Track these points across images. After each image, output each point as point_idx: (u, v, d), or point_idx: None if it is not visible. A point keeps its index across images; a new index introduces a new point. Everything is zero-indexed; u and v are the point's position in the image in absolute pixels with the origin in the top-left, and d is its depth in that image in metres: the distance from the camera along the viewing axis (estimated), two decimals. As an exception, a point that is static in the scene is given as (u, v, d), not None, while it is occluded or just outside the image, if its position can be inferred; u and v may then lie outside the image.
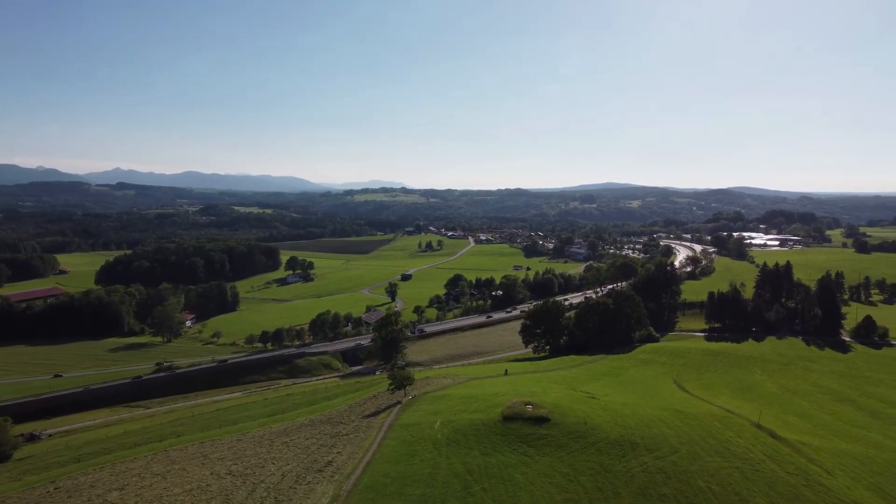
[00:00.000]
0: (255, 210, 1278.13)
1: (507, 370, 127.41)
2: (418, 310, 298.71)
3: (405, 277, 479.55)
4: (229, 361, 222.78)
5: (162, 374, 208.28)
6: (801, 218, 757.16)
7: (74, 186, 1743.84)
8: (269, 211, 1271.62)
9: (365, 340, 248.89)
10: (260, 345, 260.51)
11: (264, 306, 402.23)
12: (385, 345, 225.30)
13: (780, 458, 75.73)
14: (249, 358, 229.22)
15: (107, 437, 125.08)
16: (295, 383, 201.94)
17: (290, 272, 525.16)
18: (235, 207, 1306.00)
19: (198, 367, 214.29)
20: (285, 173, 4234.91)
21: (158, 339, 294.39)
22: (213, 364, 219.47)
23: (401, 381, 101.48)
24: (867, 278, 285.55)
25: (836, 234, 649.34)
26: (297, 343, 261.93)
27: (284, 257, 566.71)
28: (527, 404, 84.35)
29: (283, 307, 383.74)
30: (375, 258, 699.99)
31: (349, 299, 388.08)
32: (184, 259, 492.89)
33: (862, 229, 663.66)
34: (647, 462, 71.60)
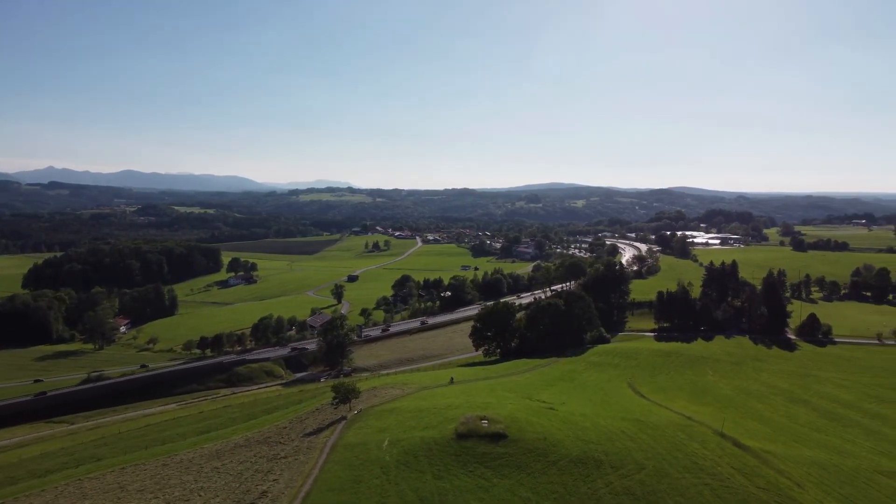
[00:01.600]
0: (196, 210, 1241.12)
1: (452, 378, 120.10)
2: (365, 312, 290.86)
3: (352, 278, 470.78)
4: (164, 370, 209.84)
5: (89, 385, 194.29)
6: (740, 217, 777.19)
7: (3, 185, 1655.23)
8: (211, 211, 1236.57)
9: (310, 345, 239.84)
10: (198, 351, 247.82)
11: (204, 310, 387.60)
12: (330, 350, 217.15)
13: (749, 472, 71.73)
14: (186, 366, 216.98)
15: (19, 460, 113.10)
16: (234, 392, 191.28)
17: (233, 274, 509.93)
18: (176, 207, 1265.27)
19: (129, 378, 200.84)
20: (229, 172, 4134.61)
21: (90, 346, 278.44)
22: (146, 374, 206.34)
23: (345, 395, 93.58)
24: (807, 276, 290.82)
25: (772, 232, 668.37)
26: (239, 349, 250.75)
27: (226, 258, 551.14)
28: (482, 419, 78.19)
29: (224, 311, 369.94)
30: (321, 259, 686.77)
31: (294, 302, 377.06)
32: (119, 261, 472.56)
33: (797, 228, 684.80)
34: (612, 482, 66.38)
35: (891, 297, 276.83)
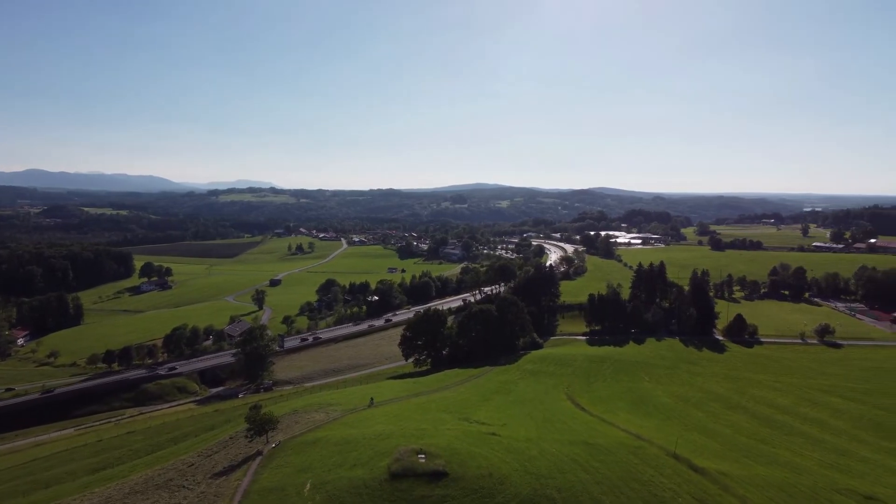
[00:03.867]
0: (108, 211, 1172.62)
1: (372, 399, 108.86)
2: (288, 320, 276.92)
3: (274, 283, 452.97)
4: (62, 390, 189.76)
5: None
6: (658, 217, 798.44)
7: None
8: (124, 212, 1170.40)
9: (228, 357, 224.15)
10: (104, 365, 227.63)
11: (114, 319, 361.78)
12: (250, 362, 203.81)
13: (712, 502, 65.90)
14: (87, 384, 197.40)
15: None
16: (142, 413, 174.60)
17: (146, 279, 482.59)
18: (86, 209, 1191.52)
19: (19, 400, 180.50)
20: (144, 172, 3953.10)
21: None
22: (40, 394, 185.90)
23: (261, 426, 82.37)
24: (730, 276, 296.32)
25: (689, 232, 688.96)
26: (150, 362, 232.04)
27: (139, 263, 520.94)
28: (418, 452, 69.15)
29: (135, 319, 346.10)
30: (242, 262, 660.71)
31: (211, 308, 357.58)
32: (18, 267, 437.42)
33: (712, 227, 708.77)
34: (568, 524, 58.97)
35: (807, 295, 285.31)
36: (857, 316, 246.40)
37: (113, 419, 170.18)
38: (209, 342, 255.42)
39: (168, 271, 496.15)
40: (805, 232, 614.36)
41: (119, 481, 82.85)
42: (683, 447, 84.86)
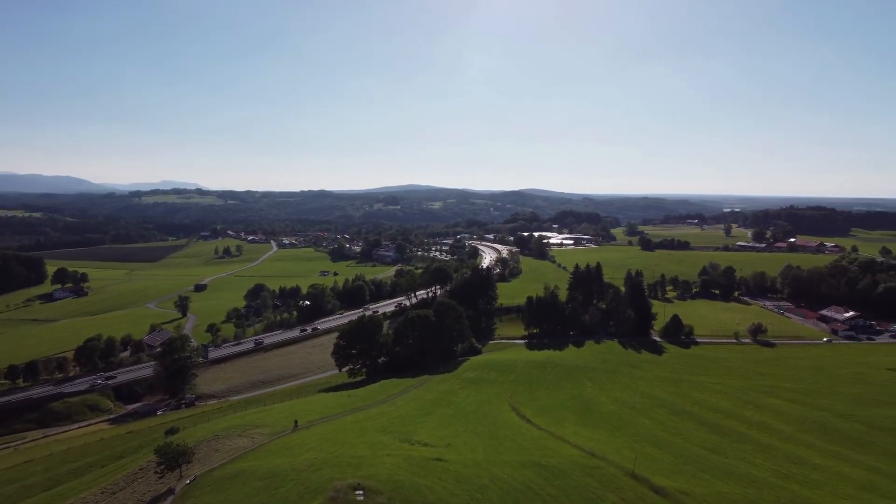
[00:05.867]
0: (19, 213, 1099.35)
1: (296, 422, 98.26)
2: (212, 328, 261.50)
3: (199, 288, 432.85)
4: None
5: None
6: (588, 218, 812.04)
7: None
8: (37, 214, 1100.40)
9: (147, 369, 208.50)
10: (7, 382, 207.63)
11: (21, 329, 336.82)
12: (170, 376, 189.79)
13: (678, 529, 60.75)
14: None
15: None
16: (47, 436, 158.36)
17: (59, 286, 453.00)
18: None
19: None
20: (60, 172, 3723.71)
21: None
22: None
23: (173, 459, 72.20)
24: (662, 276, 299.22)
25: (618, 232, 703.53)
26: (59, 376, 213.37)
27: (52, 268, 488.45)
28: (356, 489, 60.76)
29: (45, 329, 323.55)
30: (165, 266, 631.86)
31: (131, 316, 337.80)
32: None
33: (640, 228, 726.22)
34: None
35: (737, 294, 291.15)
36: (786, 314, 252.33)
37: (12, 444, 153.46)
38: (127, 354, 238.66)
39: (84, 277, 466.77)
40: (728, 232, 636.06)
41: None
42: (639, 464, 79.98)
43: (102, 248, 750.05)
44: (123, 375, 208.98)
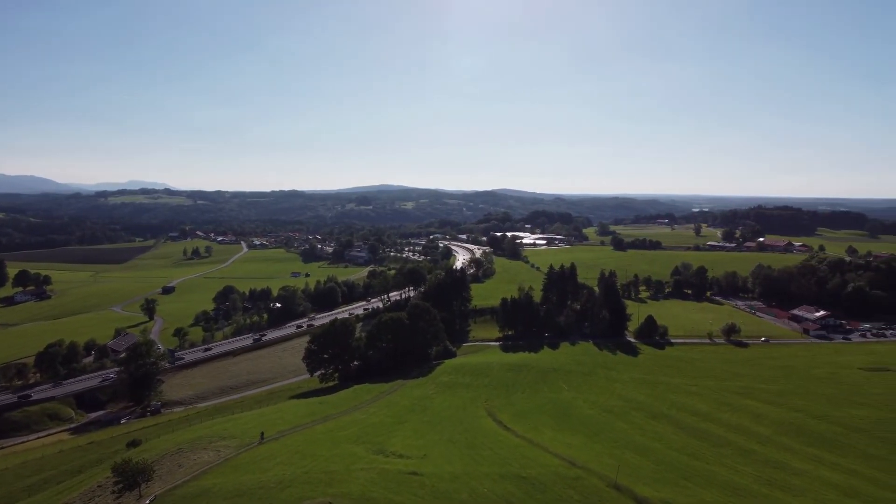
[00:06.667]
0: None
1: (262, 434, 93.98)
2: (180, 332, 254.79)
3: (167, 290, 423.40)
4: None
5: None
6: (561, 218, 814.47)
7: None
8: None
9: (112, 376, 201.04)
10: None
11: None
12: (135, 382, 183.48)
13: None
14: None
15: None
16: (3, 448, 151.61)
17: (20, 289, 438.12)
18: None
19: None
20: (24, 172, 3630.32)
21: None
22: None
23: (131, 478, 67.78)
24: (636, 276, 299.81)
25: (590, 232, 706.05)
26: (19, 383, 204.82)
27: (13, 271, 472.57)
28: (328, 510, 57.77)
29: (4, 334, 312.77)
30: (132, 268, 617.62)
31: (95, 320, 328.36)
32: None
33: (612, 228, 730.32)
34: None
35: (709, 294, 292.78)
36: (758, 314, 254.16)
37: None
38: (90, 359, 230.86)
39: (47, 279, 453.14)
40: (698, 231, 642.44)
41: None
42: (621, 473, 77.71)
43: (67, 250, 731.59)
44: (86, 382, 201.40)
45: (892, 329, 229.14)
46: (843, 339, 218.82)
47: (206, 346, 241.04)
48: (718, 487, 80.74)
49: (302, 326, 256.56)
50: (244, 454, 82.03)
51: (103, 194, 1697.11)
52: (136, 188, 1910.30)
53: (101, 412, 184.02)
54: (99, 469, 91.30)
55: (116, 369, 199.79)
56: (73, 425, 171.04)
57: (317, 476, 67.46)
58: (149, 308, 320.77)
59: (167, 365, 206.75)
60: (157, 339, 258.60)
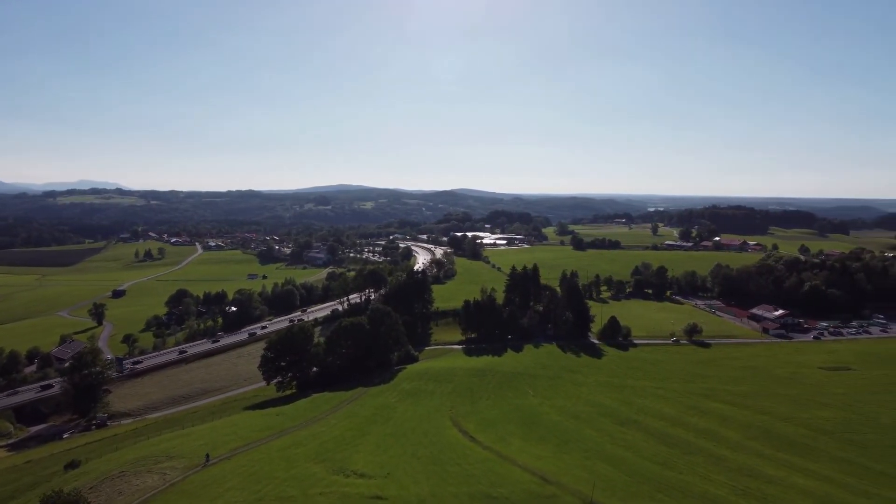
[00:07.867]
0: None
1: (208, 455, 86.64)
2: (129, 339, 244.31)
3: (117, 294, 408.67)
4: None
5: None
6: (520, 217, 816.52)
7: None
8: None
9: (55, 386, 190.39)
10: None
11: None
12: (80, 393, 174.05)
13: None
14: None
15: None
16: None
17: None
18: None
19: None
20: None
21: None
22: None
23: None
24: (597, 276, 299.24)
25: (550, 231, 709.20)
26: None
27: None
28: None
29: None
30: (81, 271, 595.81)
31: (39, 326, 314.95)
32: None
33: (571, 227, 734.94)
34: None
35: (669, 293, 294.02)
36: (717, 313, 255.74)
37: None
38: (33, 368, 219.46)
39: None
40: (655, 231, 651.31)
41: None
42: (596, 488, 74.25)
43: (11, 252, 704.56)
44: (27, 394, 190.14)
45: (848, 328, 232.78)
46: (815, 338, 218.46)
47: (156, 353, 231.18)
48: (693, 499, 77.95)
49: (256, 333, 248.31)
50: (192, 477, 75.89)
51: (52, 194, 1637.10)
52: (87, 188, 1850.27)
53: (42, 426, 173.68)
54: (32, 495, 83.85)
55: (60, 379, 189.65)
56: (11, 441, 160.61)
57: (271, 502, 62.13)
58: (97, 313, 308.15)
59: (115, 374, 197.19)
60: (105, 345, 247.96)
